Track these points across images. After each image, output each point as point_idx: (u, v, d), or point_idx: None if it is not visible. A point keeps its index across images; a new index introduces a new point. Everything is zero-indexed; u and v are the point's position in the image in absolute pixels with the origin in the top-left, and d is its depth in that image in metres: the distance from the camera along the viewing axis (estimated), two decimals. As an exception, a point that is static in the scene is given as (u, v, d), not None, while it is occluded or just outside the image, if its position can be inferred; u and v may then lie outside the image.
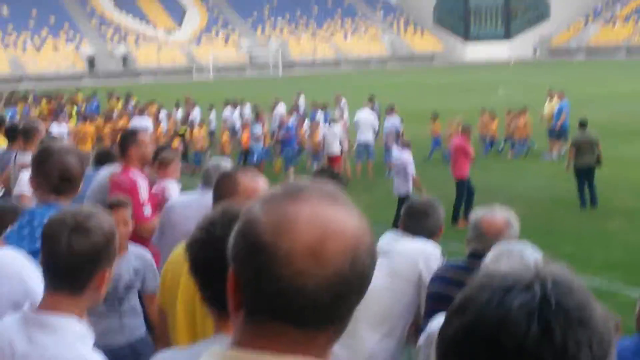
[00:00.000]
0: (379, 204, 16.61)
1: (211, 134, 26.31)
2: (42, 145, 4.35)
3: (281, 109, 26.25)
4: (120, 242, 2.83)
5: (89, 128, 24.47)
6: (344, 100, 27.38)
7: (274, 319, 1.40)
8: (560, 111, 23.77)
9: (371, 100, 25.98)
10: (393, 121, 22.26)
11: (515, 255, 3.50)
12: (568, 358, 1.16)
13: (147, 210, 6.32)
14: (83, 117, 26.67)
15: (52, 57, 77.70)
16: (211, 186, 6.46)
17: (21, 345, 2.63)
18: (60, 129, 21.95)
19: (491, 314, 1.20)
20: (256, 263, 1.39)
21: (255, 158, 22.05)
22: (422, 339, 4.03)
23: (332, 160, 19.83)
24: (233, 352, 1.43)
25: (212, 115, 27.60)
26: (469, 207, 14.80)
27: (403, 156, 15.35)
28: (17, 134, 9.06)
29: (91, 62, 79.39)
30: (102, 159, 8.95)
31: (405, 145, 15.99)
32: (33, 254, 3.59)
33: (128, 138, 6.85)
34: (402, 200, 14.71)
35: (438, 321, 3.95)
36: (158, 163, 7.67)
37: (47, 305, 2.70)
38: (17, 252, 3.44)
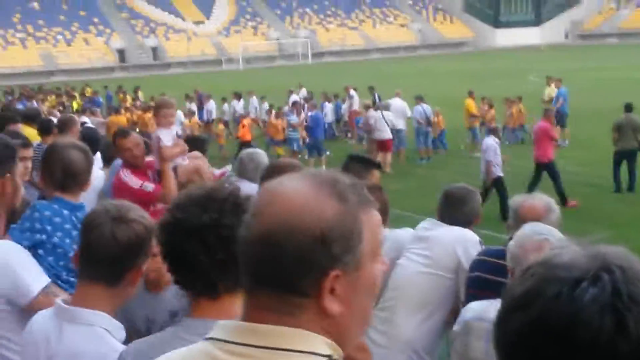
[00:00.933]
0: (413, 192, 16.56)
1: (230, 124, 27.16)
2: (50, 143, 4.36)
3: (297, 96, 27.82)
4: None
5: (122, 119, 24.59)
6: (352, 91, 27.73)
7: (246, 282, 1.51)
8: (557, 98, 23.86)
9: (371, 90, 27.01)
10: (421, 109, 22.26)
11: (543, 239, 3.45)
12: None
13: (148, 187, 6.24)
14: (115, 110, 26.83)
15: (83, 51, 78.41)
16: (245, 176, 6.53)
17: (54, 339, 2.63)
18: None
19: (561, 309, 1.17)
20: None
21: (295, 147, 22.07)
22: (457, 326, 3.98)
23: (383, 144, 20.72)
24: (239, 322, 1.50)
25: (239, 106, 27.97)
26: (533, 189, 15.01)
27: (487, 141, 15.28)
28: (52, 128, 9.12)
29: (121, 54, 79.95)
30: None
31: (491, 131, 16.01)
32: (33, 247, 3.59)
33: (115, 140, 6.90)
34: (495, 184, 15.06)
35: (473, 309, 3.90)
36: (153, 112, 7.82)
37: (81, 297, 2.69)
38: (13, 244, 3.41)
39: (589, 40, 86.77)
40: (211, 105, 28.41)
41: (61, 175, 3.97)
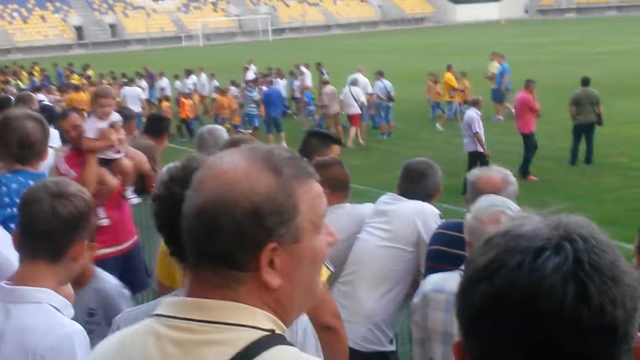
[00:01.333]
0: (375, 167, 16.61)
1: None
2: (2, 115, 4.25)
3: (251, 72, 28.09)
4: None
5: (83, 96, 24.26)
6: (303, 68, 27.89)
7: (188, 256, 1.54)
8: (501, 74, 23.87)
9: (318, 66, 27.36)
10: (382, 84, 22.31)
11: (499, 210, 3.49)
12: (605, 317, 1.15)
13: (71, 174, 6.10)
14: (75, 87, 26.39)
15: (40, 28, 77.20)
16: (205, 151, 6.49)
17: (1, 320, 2.59)
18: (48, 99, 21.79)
19: (524, 278, 1.16)
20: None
21: (256, 123, 22.04)
22: (416, 298, 4.00)
23: (352, 118, 21.04)
24: (182, 299, 1.52)
25: (189, 83, 28.07)
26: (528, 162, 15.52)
27: (469, 113, 15.29)
28: (8, 104, 8.98)
29: (79, 31, 78.86)
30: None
31: (472, 103, 16.02)
32: (3, 222, 3.54)
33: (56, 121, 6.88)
34: (472, 157, 15.11)
35: (431, 281, 3.92)
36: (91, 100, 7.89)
37: (24, 275, 2.65)
38: None
39: (547, 15, 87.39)
40: (164, 82, 28.23)
41: (18, 148, 3.90)
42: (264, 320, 1.46)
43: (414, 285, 4.90)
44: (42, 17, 78.71)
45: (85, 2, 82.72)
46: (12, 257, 3.16)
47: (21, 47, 73.56)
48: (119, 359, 1.54)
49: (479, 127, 15.11)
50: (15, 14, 78.04)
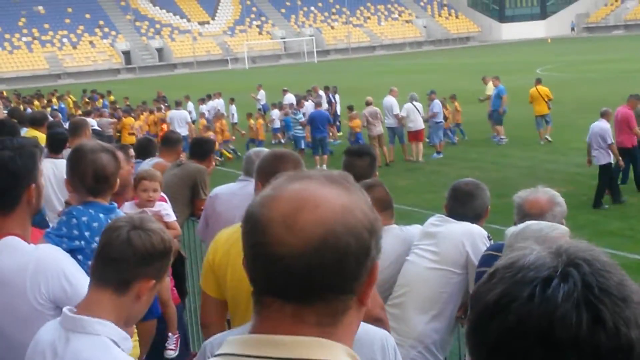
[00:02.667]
0: (422, 188, 16.52)
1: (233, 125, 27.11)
2: (75, 146, 4.27)
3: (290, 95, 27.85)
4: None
5: (131, 121, 24.64)
6: (320, 92, 27.87)
7: (264, 293, 1.43)
8: (499, 96, 23.10)
9: (327, 90, 27.42)
10: (439, 104, 22.23)
11: (532, 235, 3.45)
12: (621, 338, 1.15)
13: None
14: (127, 112, 26.78)
15: (89, 54, 78.55)
16: (250, 175, 6.52)
17: (60, 348, 2.62)
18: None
19: (537, 310, 1.17)
20: (245, 234, 1.45)
21: (302, 145, 22.04)
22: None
23: (416, 134, 21.22)
24: (252, 336, 1.44)
25: (233, 108, 27.94)
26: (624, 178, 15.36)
27: (601, 125, 14.78)
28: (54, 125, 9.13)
29: (127, 56, 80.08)
30: (143, 151, 9.03)
31: (602, 114, 15.25)
32: (70, 252, 3.56)
33: None
34: (604, 170, 14.62)
35: None
36: None
37: (89, 303, 2.69)
38: (60, 250, 3.40)
39: (594, 33, 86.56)
40: (189, 106, 28.45)
41: (93, 180, 3.92)
42: (344, 355, 1.42)
43: (464, 308, 4.85)
44: (91, 43, 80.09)
45: (132, 27, 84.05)
46: (78, 286, 3.20)
47: (71, 72, 74.92)
48: None
49: (611, 139, 14.64)
50: (65, 40, 79.56)
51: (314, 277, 1.37)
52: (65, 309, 2.70)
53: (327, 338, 1.40)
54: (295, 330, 1.40)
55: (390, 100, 21.99)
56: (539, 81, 23.41)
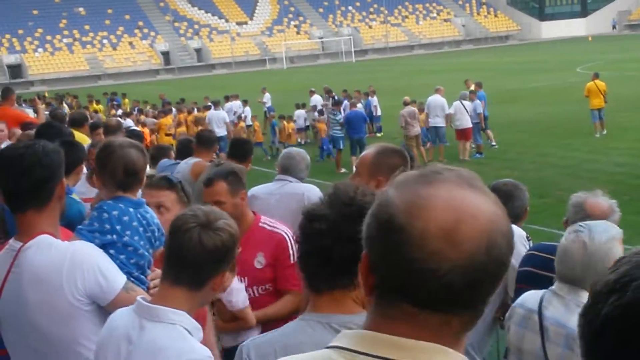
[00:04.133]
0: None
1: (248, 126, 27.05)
2: (104, 143, 4.36)
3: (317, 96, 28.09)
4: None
5: (169, 121, 24.88)
6: (315, 95, 27.98)
7: (406, 301, 1.39)
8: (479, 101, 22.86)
9: (329, 92, 27.29)
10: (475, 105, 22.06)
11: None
12: None
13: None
14: (164, 112, 27.02)
15: (129, 54, 79.32)
16: (296, 175, 6.56)
17: (134, 335, 2.70)
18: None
19: None
20: (389, 244, 1.38)
21: (341, 145, 21.83)
22: (508, 313, 3.98)
23: (464, 132, 21.07)
24: (369, 333, 1.43)
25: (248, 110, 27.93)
26: None
27: None
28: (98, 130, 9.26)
29: (166, 57, 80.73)
30: (184, 150, 9.14)
31: None
32: (103, 246, 3.62)
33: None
34: None
35: (520, 297, 3.91)
36: None
37: (163, 295, 2.77)
38: (92, 245, 3.46)
39: (636, 30, 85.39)
40: (235, 105, 28.65)
41: (123, 175, 4.00)
42: None
43: (502, 308, 4.81)
44: (131, 44, 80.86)
45: (171, 28, 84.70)
46: (113, 280, 3.26)
47: (111, 73, 75.72)
48: None
49: None
50: (105, 41, 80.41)
51: (474, 290, 1.37)
52: (139, 298, 2.80)
53: (453, 347, 1.40)
54: (434, 340, 1.38)
55: (439, 99, 21.91)
56: (596, 75, 23.71)
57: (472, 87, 24.20)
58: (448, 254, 1.34)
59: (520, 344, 3.71)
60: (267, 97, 31.13)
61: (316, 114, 25.62)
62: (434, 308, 1.38)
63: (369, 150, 3.96)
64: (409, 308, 1.39)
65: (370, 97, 27.76)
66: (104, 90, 44.73)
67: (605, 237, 3.47)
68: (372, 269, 1.43)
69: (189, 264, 2.74)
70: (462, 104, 21.31)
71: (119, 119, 18.48)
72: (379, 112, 27.49)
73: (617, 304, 1.20)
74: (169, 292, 2.76)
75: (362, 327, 1.46)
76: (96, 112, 29.47)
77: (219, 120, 23.88)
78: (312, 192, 6.38)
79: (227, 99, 28.93)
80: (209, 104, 26.78)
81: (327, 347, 1.47)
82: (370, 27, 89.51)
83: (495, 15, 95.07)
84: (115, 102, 34.88)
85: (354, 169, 4.46)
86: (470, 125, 21.10)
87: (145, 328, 2.69)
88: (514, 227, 4.87)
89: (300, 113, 26.65)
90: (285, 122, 24.97)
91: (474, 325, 1.43)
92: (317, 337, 2.22)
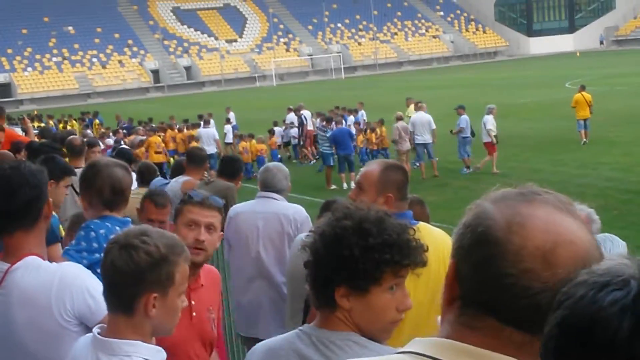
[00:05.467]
0: (449, 204, 16.44)
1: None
2: (89, 162, 4.36)
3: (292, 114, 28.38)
4: None
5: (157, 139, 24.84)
6: (305, 112, 27.97)
7: (491, 315, 1.41)
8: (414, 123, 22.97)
9: (297, 110, 27.54)
10: (466, 118, 22.09)
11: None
12: None
13: None
14: (153, 130, 27.08)
15: (118, 73, 79.32)
16: (274, 188, 6.48)
17: None
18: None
19: (583, 309, 1.18)
20: (483, 256, 1.40)
21: (331, 162, 21.82)
22: None
23: (487, 146, 21.20)
24: (447, 341, 1.44)
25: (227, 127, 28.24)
26: None
27: None
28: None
29: (156, 75, 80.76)
30: (177, 170, 9.14)
31: None
32: (90, 266, 3.59)
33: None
34: None
35: None
36: None
37: (110, 327, 2.69)
38: (82, 267, 3.42)
39: (623, 46, 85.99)
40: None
41: (110, 194, 3.98)
42: None
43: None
44: (120, 62, 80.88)
45: (161, 46, 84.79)
46: (101, 302, 3.22)
47: (100, 91, 75.68)
48: None
49: None
50: (94, 60, 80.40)
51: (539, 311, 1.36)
52: (94, 330, 2.72)
53: None
54: (517, 357, 1.40)
55: (425, 116, 21.92)
56: (583, 87, 25.11)
57: (412, 106, 24.62)
58: (542, 274, 1.36)
59: None
60: (231, 116, 31.20)
61: (292, 130, 26.90)
62: (519, 326, 1.39)
63: (372, 167, 3.93)
64: (493, 322, 1.40)
65: (360, 110, 28.07)
66: (93, 108, 44.62)
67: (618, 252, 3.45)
68: (459, 280, 1.45)
69: (109, 286, 2.66)
70: (483, 119, 21.42)
71: (94, 138, 18.55)
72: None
73: (553, 322, 1.21)
74: (112, 321, 2.68)
75: (439, 336, 1.47)
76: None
77: (209, 138, 23.88)
78: (298, 214, 6.31)
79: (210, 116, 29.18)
80: (200, 122, 26.95)
81: (400, 352, 1.49)
82: (359, 43, 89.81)
83: (484, 32, 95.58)
84: (87, 122, 34.89)
85: (350, 185, 4.43)
86: (487, 139, 21.11)
87: None
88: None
89: (278, 130, 27.43)
90: (245, 142, 25.24)
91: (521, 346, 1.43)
92: (297, 346, 2.39)
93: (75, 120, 36.62)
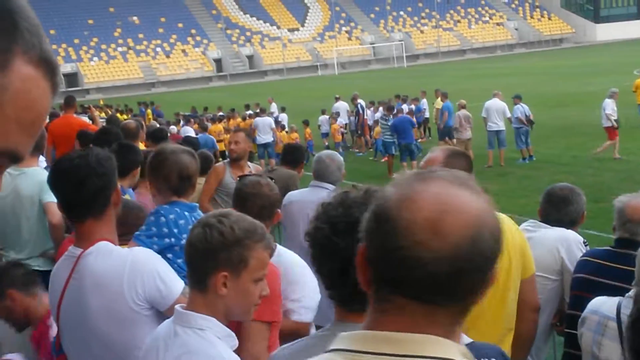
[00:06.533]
0: (512, 192, 16.27)
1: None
2: (156, 150, 4.41)
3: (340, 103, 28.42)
4: None
5: (219, 128, 25.10)
6: (361, 101, 27.85)
7: (397, 292, 1.43)
8: (442, 112, 23.61)
9: (354, 100, 27.24)
10: (522, 108, 21.76)
11: None
12: None
13: None
14: (213, 120, 27.38)
15: (182, 62, 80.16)
16: (322, 179, 6.55)
17: (169, 341, 2.74)
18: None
19: None
20: (380, 234, 1.43)
21: (393, 151, 21.85)
22: (580, 319, 3.91)
23: (607, 131, 20.38)
24: (363, 332, 1.46)
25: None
26: None
27: None
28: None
29: (218, 64, 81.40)
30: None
31: None
32: (161, 251, 3.65)
33: None
34: None
35: (591, 303, 3.88)
36: None
37: (190, 302, 2.78)
38: (151, 251, 3.49)
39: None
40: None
41: (177, 180, 4.04)
42: (458, 354, 1.42)
43: (559, 314, 4.74)
44: (184, 51, 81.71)
45: (223, 35, 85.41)
46: (172, 285, 3.29)
47: (164, 80, 76.63)
48: None
49: None
50: (158, 49, 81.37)
51: (460, 281, 1.40)
52: (177, 306, 2.81)
53: (447, 338, 1.42)
54: (425, 331, 1.41)
55: (499, 103, 21.64)
56: None
57: (439, 98, 24.76)
58: (433, 244, 1.37)
59: (597, 351, 3.65)
60: (273, 107, 31.34)
61: (341, 120, 26.52)
62: (420, 299, 1.41)
63: (436, 153, 3.91)
64: (400, 300, 1.42)
65: (422, 99, 28.06)
66: (157, 98, 45.22)
67: None
68: (369, 262, 1.47)
69: (188, 263, 2.76)
70: (604, 103, 20.88)
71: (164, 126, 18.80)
72: (427, 115, 27.81)
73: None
74: (191, 297, 2.77)
75: (362, 327, 1.49)
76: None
77: (265, 126, 24.03)
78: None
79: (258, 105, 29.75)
80: (257, 110, 27.13)
81: (327, 351, 1.49)
82: (422, 31, 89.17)
83: (549, 18, 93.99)
84: (135, 114, 35.07)
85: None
86: (608, 124, 20.42)
87: (178, 334, 2.70)
88: (571, 232, 4.82)
89: (323, 119, 27.37)
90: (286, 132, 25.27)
91: (464, 318, 1.45)
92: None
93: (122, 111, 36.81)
